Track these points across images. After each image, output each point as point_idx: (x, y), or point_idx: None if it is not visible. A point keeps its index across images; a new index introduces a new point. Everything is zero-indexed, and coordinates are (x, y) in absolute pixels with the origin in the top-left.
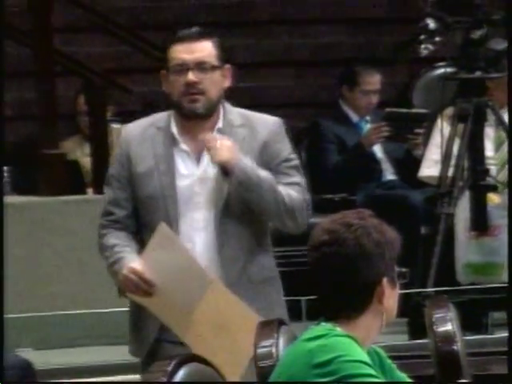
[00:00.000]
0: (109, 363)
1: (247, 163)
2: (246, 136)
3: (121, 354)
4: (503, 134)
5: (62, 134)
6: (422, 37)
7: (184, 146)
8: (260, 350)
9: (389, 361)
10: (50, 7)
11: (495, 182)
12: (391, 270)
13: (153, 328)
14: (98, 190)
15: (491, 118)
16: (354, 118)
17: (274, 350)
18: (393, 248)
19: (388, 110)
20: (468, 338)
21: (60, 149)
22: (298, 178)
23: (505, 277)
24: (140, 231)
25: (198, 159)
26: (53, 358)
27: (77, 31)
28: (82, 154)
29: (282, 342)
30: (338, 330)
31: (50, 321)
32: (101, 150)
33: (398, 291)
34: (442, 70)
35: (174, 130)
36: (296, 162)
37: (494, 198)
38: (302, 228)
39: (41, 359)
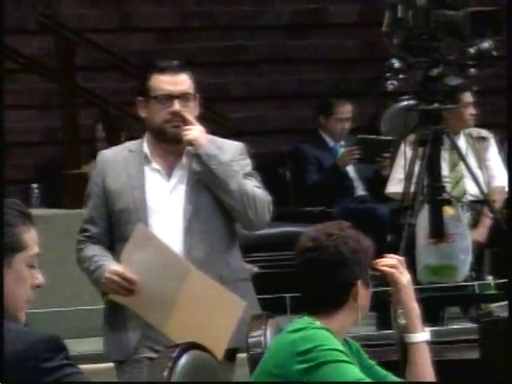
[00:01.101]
0: None
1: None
2: None
3: None
4: (456, 157)
5: (82, 157)
6: (388, 74)
7: (156, 165)
8: (251, 340)
9: (367, 357)
10: (73, 49)
11: (450, 197)
12: (365, 273)
13: (134, 336)
14: None
15: (447, 143)
16: (330, 142)
17: (262, 339)
18: (367, 255)
19: (359, 136)
20: (430, 328)
21: (81, 169)
22: (259, 185)
23: (458, 277)
24: (114, 245)
25: (169, 176)
26: (74, 346)
27: (96, 70)
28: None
29: (269, 332)
30: (317, 323)
31: (72, 315)
32: None
33: (371, 291)
34: (405, 103)
35: (147, 150)
36: (258, 177)
37: (449, 211)
38: (263, 225)
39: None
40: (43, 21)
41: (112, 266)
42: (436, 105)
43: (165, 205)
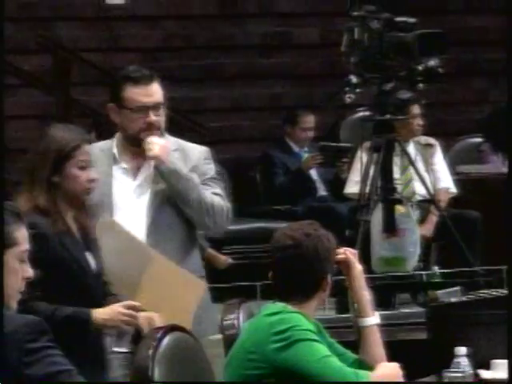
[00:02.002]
0: None
1: (176, 162)
2: (179, 158)
3: None
4: (406, 162)
5: None
6: (347, 89)
7: (124, 164)
8: (226, 322)
9: (329, 337)
10: (68, 67)
11: (401, 196)
12: (332, 267)
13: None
14: None
15: (398, 149)
16: (296, 148)
17: (236, 322)
18: (334, 251)
19: (321, 143)
20: (380, 312)
21: None
22: (220, 190)
23: (408, 267)
24: None
25: (135, 175)
26: None
27: (88, 84)
28: None
29: (242, 316)
30: (290, 307)
31: None
32: None
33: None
34: (361, 114)
35: (115, 151)
36: (220, 181)
37: (400, 209)
38: (221, 230)
39: None
40: (42, 41)
41: None
42: (388, 116)
43: (130, 202)
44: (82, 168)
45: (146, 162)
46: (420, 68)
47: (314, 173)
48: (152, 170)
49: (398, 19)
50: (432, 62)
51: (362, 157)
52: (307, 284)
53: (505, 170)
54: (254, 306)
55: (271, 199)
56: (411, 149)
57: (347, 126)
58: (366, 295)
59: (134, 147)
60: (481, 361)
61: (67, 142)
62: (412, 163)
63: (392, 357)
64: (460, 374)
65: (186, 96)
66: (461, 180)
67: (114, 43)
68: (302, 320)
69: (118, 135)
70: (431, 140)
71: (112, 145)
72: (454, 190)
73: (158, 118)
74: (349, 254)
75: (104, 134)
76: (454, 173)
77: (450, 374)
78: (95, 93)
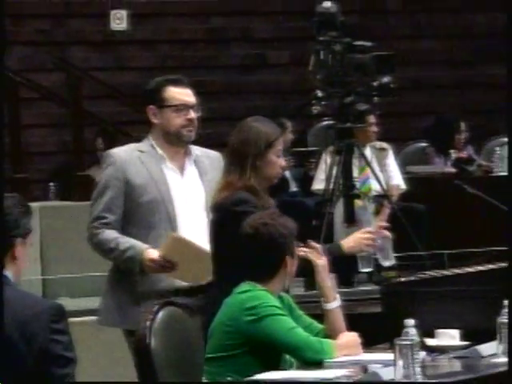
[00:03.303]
0: None
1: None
2: (208, 164)
3: None
4: (364, 163)
5: (86, 163)
6: (313, 102)
7: (170, 164)
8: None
9: (297, 309)
10: (80, 83)
11: (359, 192)
12: (292, 249)
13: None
14: None
15: (356, 152)
16: None
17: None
18: (293, 235)
19: (293, 149)
20: (342, 290)
21: (85, 172)
22: None
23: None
24: (139, 230)
25: (182, 173)
26: (82, 303)
27: (96, 98)
28: (99, 175)
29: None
30: (259, 286)
31: (80, 279)
32: None
33: (297, 261)
34: (325, 123)
35: (160, 152)
36: None
37: (358, 203)
38: None
39: (73, 303)
40: (57, 62)
41: (151, 252)
42: (348, 124)
43: (185, 197)
44: (278, 156)
45: (187, 160)
46: (375, 84)
47: (286, 172)
48: (194, 168)
49: (357, 43)
50: (385, 79)
51: (326, 159)
52: (268, 265)
53: (447, 169)
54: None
55: None
56: (368, 152)
57: (314, 133)
58: (327, 284)
59: (174, 146)
60: (426, 330)
61: (272, 133)
62: (368, 164)
63: (352, 327)
64: (409, 342)
65: None
66: (409, 178)
67: (118, 63)
68: (268, 297)
69: (152, 137)
70: (384, 144)
71: (151, 146)
72: (403, 186)
73: (196, 116)
74: (309, 251)
75: (109, 139)
76: (404, 172)
77: (400, 342)
78: (102, 105)
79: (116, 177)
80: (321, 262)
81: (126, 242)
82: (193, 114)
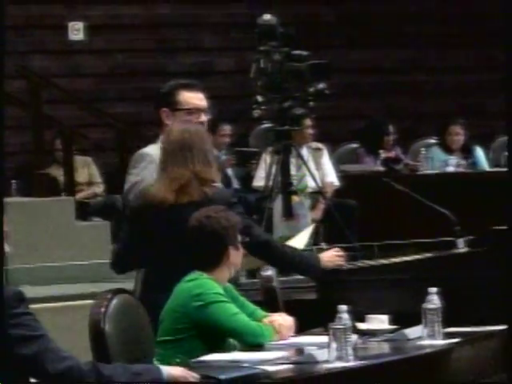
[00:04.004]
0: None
1: None
2: None
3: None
4: (300, 162)
5: (46, 162)
6: (254, 106)
7: None
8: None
9: (240, 297)
10: (40, 89)
11: (296, 189)
12: (235, 240)
13: None
14: (67, 194)
15: (294, 152)
16: (215, 152)
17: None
18: (235, 227)
19: (236, 148)
20: (280, 279)
21: (45, 170)
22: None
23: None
24: None
25: None
26: (41, 291)
27: (55, 103)
28: (58, 174)
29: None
30: (205, 275)
31: (40, 269)
32: (69, 171)
33: (241, 252)
34: (266, 125)
35: None
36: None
37: (295, 199)
38: None
39: (33, 291)
40: (19, 69)
41: None
42: (286, 127)
43: None
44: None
45: (312, 146)
46: (311, 90)
47: (229, 170)
48: None
49: (294, 52)
50: (320, 85)
51: (266, 158)
52: (212, 256)
53: (376, 168)
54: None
55: None
56: (304, 152)
57: (255, 134)
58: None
59: None
60: (358, 316)
61: None
62: (305, 163)
63: (290, 312)
64: (342, 326)
65: (131, 112)
66: (342, 176)
67: (75, 70)
68: (213, 284)
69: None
70: (319, 145)
71: None
72: (337, 183)
73: (206, 120)
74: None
75: (66, 141)
76: (338, 170)
77: (334, 327)
78: (60, 109)
79: (150, 172)
80: (286, 331)
81: None
82: (204, 118)
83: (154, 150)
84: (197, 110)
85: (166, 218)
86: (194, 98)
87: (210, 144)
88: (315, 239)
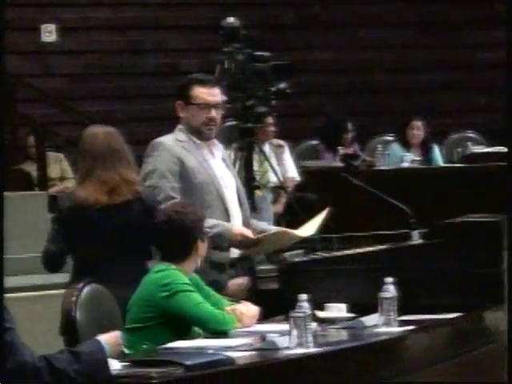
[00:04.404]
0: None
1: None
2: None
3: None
4: (263, 158)
5: (19, 158)
6: None
7: (206, 151)
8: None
9: (206, 287)
10: (14, 88)
11: (259, 184)
12: (201, 233)
13: None
14: (40, 189)
15: (256, 149)
16: None
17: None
18: (202, 221)
19: None
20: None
21: (19, 166)
22: None
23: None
24: None
25: (214, 157)
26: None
27: (29, 101)
28: (31, 169)
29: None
30: (173, 266)
31: (14, 260)
32: (42, 167)
33: (207, 244)
34: (230, 123)
35: (198, 141)
36: None
37: (258, 193)
38: None
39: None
40: None
41: (239, 228)
42: (249, 124)
43: (224, 180)
44: None
45: (215, 149)
46: (273, 89)
47: None
48: (220, 151)
49: (257, 53)
50: (282, 85)
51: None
52: (181, 248)
53: (335, 164)
54: (150, 264)
55: None
56: (266, 148)
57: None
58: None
59: (196, 137)
60: (318, 304)
61: None
62: (267, 159)
63: (253, 301)
64: (302, 315)
65: (101, 109)
66: (303, 171)
67: (47, 70)
68: (180, 275)
69: (181, 128)
70: (281, 142)
71: (186, 136)
72: (298, 178)
73: (218, 115)
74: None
75: (39, 138)
76: (298, 166)
77: (294, 315)
78: (33, 107)
79: (173, 161)
80: (248, 320)
81: (208, 220)
82: (214, 113)
83: (168, 140)
84: (207, 106)
85: (100, 219)
86: (206, 94)
87: (127, 146)
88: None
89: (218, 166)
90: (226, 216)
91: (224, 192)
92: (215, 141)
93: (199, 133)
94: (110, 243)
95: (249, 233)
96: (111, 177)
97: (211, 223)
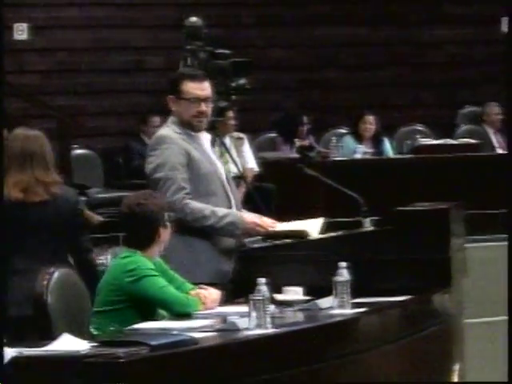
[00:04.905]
0: None
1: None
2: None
3: None
4: (224, 150)
5: None
6: None
7: (200, 143)
8: (99, 261)
9: (170, 271)
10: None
11: None
12: (163, 221)
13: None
14: None
15: (218, 141)
16: (147, 141)
17: (105, 261)
18: (163, 210)
19: None
20: None
21: None
22: None
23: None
24: (196, 199)
25: (204, 148)
26: None
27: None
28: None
29: (109, 257)
30: (138, 253)
31: None
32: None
33: (169, 230)
34: None
35: (193, 133)
36: None
37: None
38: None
39: None
40: None
41: (249, 215)
42: (211, 118)
43: (221, 169)
44: None
45: (205, 140)
46: (233, 85)
47: None
48: (208, 141)
49: (218, 51)
50: (241, 81)
51: None
52: (145, 236)
53: (292, 155)
54: (117, 250)
55: (130, 175)
56: (227, 141)
57: None
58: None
59: (189, 129)
60: (276, 287)
61: None
62: (227, 151)
63: (215, 285)
64: (261, 297)
65: (71, 104)
66: (261, 162)
67: (20, 67)
68: (145, 261)
69: (174, 121)
70: (241, 135)
71: (178, 129)
72: (256, 169)
73: (208, 108)
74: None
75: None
76: (257, 157)
77: (254, 297)
78: (7, 102)
79: (181, 153)
80: (211, 302)
81: (220, 209)
82: (203, 107)
83: (171, 133)
84: (197, 100)
85: (17, 214)
86: (196, 88)
87: (49, 148)
88: None
89: (212, 155)
90: (229, 203)
91: (224, 180)
92: (204, 132)
93: (190, 125)
94: (26, 238)
95: (261, 221)
96: (23, 178)
97: (223, 213)
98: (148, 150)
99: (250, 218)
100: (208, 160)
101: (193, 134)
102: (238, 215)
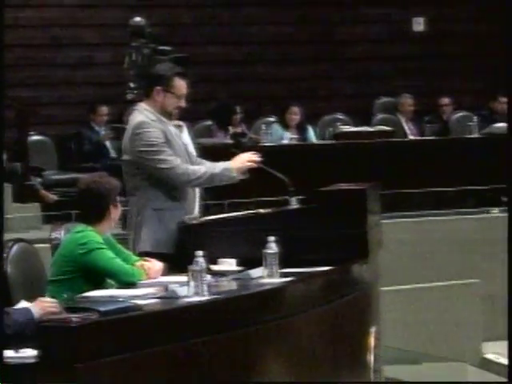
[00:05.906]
0: None
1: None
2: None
3: None
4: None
5: None
6: (128, 91)
7: (169, 127)
8: (53, 235)
9: (118, 245)
10: None
11: None
12: (115, 199)
13: None
14: None
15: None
16: (96, 128)
17: (59, 235)
18: (115, 190)
19: (113, 125)
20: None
21: None
22: None
23: None
24: None
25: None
26: None
27: None
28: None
29: (63, 232)
30: (89, 228)
31: None
32: None
33: (119, 210)
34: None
35: (165, 120)
36: None
37: None
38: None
39: None
40: None
41: (236, 158)
42: None
43: (190, 150)
44: None
45: (174, 123)
46: None
47: (108, 143)
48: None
49: (160, 48)
50: None
51: None
52: (96, 212)
53: (226, 141)
54: (70, 226)
55: (82, 159)
56: None
57: (129, 114)
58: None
59: (165, 118)
60: (212, 259)
61: None
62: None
63: (158, 258)
64: (198, 268)
65: (29, 95)
66: (199, 148)
67: None
68: (96, 235)
69: (147, 109)
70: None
71: (153, 116)
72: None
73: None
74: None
75: None
76: (195, 143)
77: (192, 268)
78: None
79: (160, 136)
80: (154, 272)
81: (210, 163)
82: (183, 103)
83: (148, 119)
84: (182, 96)
85: None
86: (184, 86)
87: None
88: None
89: (183, 136)
90: None
91: (192, 157)
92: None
93: (169, 115)
94: None
95: (247, 156)
96: None
97: (213, 164)
98: (131, 135)
99: (237, 157)
100: (177, 140)
101: (164, 120)
102: (226, 162)
